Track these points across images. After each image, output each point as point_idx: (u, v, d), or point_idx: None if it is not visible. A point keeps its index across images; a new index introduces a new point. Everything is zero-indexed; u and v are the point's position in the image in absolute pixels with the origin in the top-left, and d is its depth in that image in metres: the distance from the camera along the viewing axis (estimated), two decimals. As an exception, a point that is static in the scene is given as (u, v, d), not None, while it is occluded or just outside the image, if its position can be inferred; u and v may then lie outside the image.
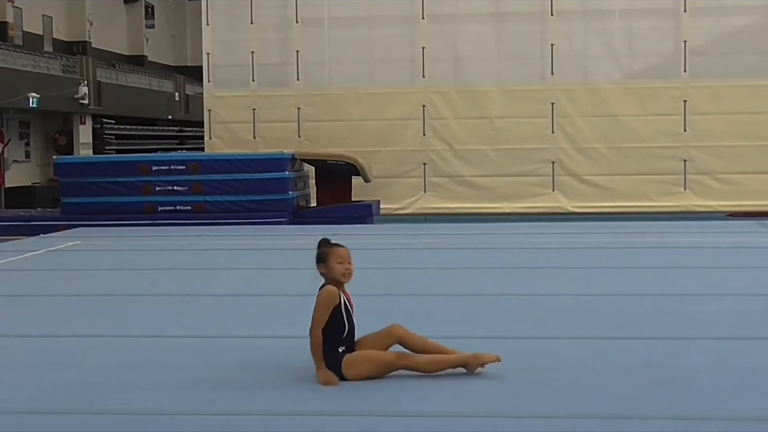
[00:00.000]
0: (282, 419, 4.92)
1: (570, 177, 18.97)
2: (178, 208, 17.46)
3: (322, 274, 5.65)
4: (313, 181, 18.67)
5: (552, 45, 19.31)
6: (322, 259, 5.64)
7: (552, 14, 19.37)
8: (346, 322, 5.59)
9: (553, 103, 19.18)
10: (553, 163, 19.11)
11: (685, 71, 18.99)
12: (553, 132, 19.14)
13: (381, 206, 18.57)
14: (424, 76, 19.73)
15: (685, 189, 18.86)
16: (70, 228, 16.28)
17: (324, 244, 5.70)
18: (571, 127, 19.14)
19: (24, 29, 28.61)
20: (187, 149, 30.54)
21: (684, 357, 6.09)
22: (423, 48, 19.70)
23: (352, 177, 18.17)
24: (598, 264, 10.91)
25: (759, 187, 18.55)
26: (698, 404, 5.09)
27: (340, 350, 5.57)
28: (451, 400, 5.17)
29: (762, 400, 5.10)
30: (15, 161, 25.89)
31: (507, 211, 18.86)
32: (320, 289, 5.63)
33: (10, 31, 27.31)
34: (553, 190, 19.06)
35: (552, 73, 19.32)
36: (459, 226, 16.48)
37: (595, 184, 18.90)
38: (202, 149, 21.91)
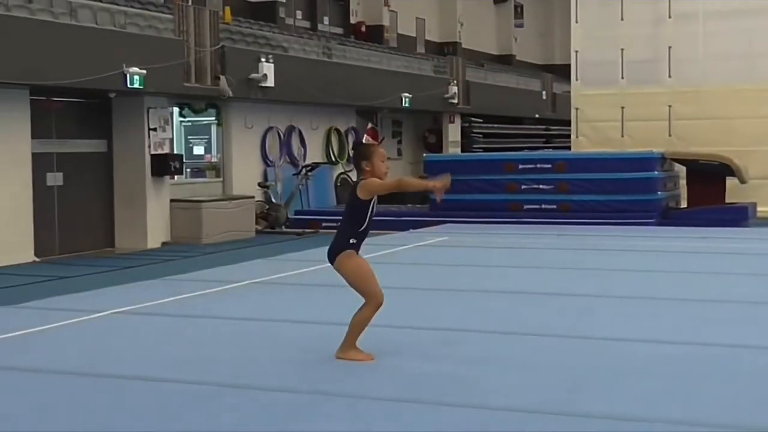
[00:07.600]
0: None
1: None
2: (543, 206, 17.36)
3: (365, 170, 5.92)
4: (684, 181, 17.91)
5: None
6: (366, 156, 5.94)
7: None
8: (368, 218, 5.90)
9: None
10: None
11: None
12: None
13: (757, 209, 17.48)
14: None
15: None
16: (437, 224, 16.69)
17: (365, 143, 6.07)
18: None
19: (399, 32, 29.73)
20: (553, 148, 30.48)
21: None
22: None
23: (726, 178, 17.25)
24: None
25: None
26: None
27: (351, 242, 5.89)
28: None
29: None
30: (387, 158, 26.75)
31: None
32: (361, 179, 5.92)
33: (386, 34, 28.48)
34: None
35: None
36: None
37: None
38: (568, 148, 21.73)
